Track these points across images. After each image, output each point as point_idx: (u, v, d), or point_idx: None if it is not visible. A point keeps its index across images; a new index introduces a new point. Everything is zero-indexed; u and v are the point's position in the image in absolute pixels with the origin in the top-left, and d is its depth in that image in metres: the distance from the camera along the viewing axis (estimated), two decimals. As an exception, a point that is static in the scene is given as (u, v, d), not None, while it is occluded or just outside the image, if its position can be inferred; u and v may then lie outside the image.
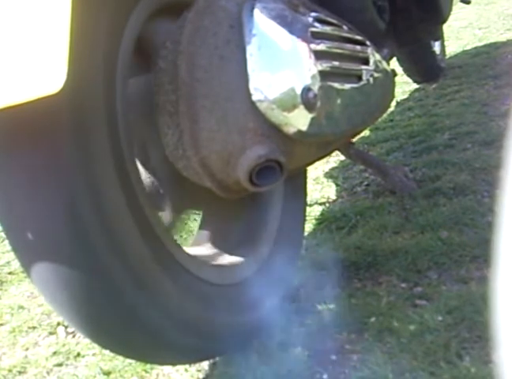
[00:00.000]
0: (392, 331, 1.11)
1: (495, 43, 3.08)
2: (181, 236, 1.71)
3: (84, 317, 0.90)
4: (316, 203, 1.78)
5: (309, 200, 1.68)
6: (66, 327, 1.40)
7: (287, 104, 1.02)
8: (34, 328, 1.44)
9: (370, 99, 1.29)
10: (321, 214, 1.69)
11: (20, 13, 0.73)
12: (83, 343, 1.32)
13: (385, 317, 1.15)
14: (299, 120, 1.05)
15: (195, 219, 1.72)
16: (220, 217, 1.27)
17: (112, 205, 0.87)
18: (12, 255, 1.76)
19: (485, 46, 3.08)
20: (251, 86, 1.01)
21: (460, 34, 3.50)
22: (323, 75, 1.08)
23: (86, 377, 1.21)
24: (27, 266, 0.88)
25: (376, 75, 1.29)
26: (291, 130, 1.04)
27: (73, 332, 1.37)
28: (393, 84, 1.47)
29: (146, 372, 1.18)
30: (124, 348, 0.99)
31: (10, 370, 1.28)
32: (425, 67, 2.67)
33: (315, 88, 1.05)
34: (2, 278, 1.73)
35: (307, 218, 1.54)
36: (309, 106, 1.04)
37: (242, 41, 1.02)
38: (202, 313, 1.02)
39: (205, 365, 1.16)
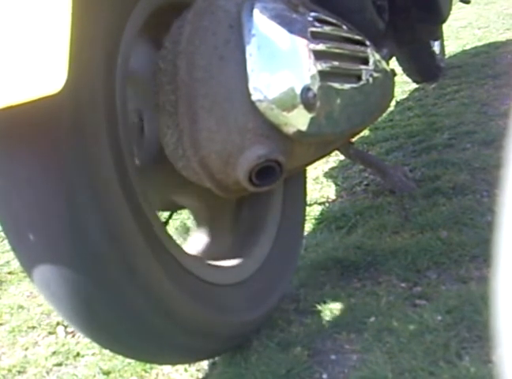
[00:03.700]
0: (391, 330, 1.11)
1: (494, 43, 3.08)
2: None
3: (83, 317, 0.90)
4: (316, 203, 1.78)
5: (308, 199, 1.68)
6: (66, 326, 1.40)
7: (286, 104, 1.03)
8: (33, 327, 1.44)
9: (369, 99, 1.29)
10: (321, 214, 1.69)
11: (20, 13, 0.73)
12: (82, 342, 1.32)
13: (384, 317, 1.15)
14: (299, 120, 1.05)
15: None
16: (220, 217, 1.27)
17: (112, 205, 0.87)
18: (11, 255, 1.76)
19: (484, 45, 3.08)
20: (251, 86, 1.01)
21: (459, 34, 3.50)
22: (323, 75, 1.08)
23: (86, 376, 1.21)
24: (26, 266, 0.88)
25: (376, 75, 1.30)
26: (290, 130, 1.04)
27: (72, 332, 1.37)
28: (392, 84, 1.47)
29: (146, 371, 1.18)
30: (123, 347, 0.99)
31: (10, 370, 1.28)
32: (424, 67, 2.67)
33: (315, 88, 1.05)
34: (2, 277, 1.73)
35: (307, 218, 1.54)
36: (308, 106, 1.04)
37: (242, 41, 1.02)
38: (202, 312, 1.02)
39: (204, 365, 1.16)
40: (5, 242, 1.87)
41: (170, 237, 1.04)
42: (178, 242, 1.13)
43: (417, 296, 1.20)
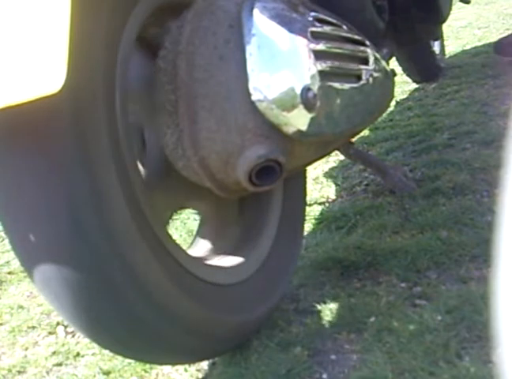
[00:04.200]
0: (391, 330, 1.11)
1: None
2: (180, 236, 1.71)
3: (83, 317, 0.90)
4: (315, 202, 1.78)
5: (308, 199, 1.68)
6: (66, 326, 1.40)
7: (286, 104, 1.03)
8: (33, 327, 1.44)
9: (369, 99, 1.29)
10: (321, 214, 1.69)
11: (19, 13, 0.73)
12: (82, 342, 1.32)
13: (384, 317, 1.15)
14: (299, 120, 1.05)
15: (195, 219, 1.72)
16: (220, 217, 1.27)
17: (112, 205, 0.87)
18: (11, 254, 1.76)
19: (484, 45, 3.08)
20: (251, 86, 1.01)
21: (459, 34, 3.50)
22: (323, 75, 1.08)
23: (85, 376, 1.21)
24: (26, 266, 0.88)
25: (375, 75, 1.29)
26: (290, 130, 1.04)
27: (72, 332, 1.37)
28: (392, 84, 1.47)
29: (146, 371, 1.18)
30: (123, 348, 0.99)
31: (10, 370, 1.28)
32: (424, 67, 2.67)
33: (315, 88, 1.05)
34: (2, 277, 1.73)
35: (307, 217, 1.54)
36: (308, 106, 1.04)
37: (242, 41, 1.02)
38: (202, 313, 1.02)
39: (204, 365, 1.16)
40: (6, 241, 1.87)
41: (170, 237, 1.04)
42: (178, 242, 1.13)
43: (417, 296, 1.20)
